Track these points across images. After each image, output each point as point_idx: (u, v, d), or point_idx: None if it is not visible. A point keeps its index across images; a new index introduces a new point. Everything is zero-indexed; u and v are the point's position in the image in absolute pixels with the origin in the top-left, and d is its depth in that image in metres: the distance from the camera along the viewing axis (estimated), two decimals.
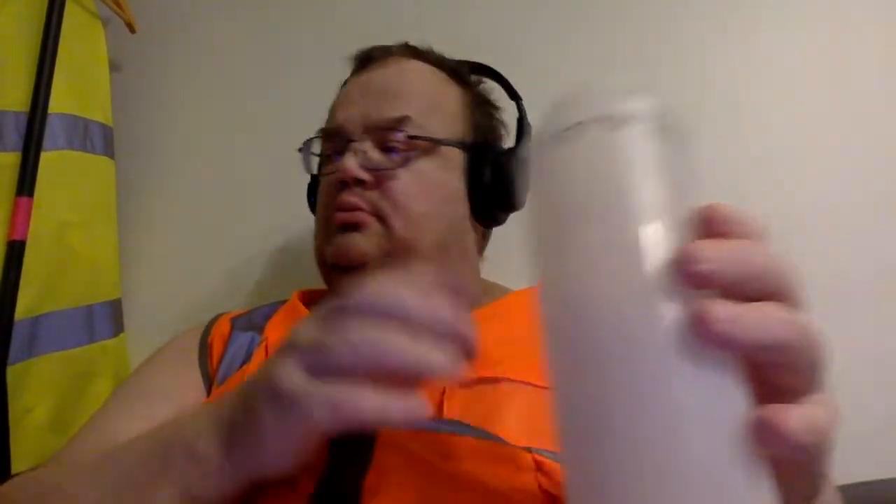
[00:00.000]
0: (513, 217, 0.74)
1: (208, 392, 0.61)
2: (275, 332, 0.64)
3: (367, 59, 0.74)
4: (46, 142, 0.84)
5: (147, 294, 1.01)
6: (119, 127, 1.00)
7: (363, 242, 0.63)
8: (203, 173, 1.06)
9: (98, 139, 0.94)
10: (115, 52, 1.03)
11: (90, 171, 0.92)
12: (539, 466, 0.43)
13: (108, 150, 0.96)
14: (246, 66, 1.08)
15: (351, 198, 0.64)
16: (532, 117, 0.78)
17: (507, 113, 0.78)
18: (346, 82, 0.76)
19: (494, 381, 0.54)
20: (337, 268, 0.65)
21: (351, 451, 0.43)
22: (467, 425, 0.48)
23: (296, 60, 1.06)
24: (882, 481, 0.72)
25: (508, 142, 0.77)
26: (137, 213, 1.03)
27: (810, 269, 0.93)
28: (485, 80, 0.79)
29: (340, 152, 0.67)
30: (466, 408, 0.52)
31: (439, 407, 0.53)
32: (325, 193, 0.70)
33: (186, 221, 1.05)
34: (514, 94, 0.78)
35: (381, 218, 0.64)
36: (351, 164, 0.64)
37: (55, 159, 0.86)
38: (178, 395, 0.61)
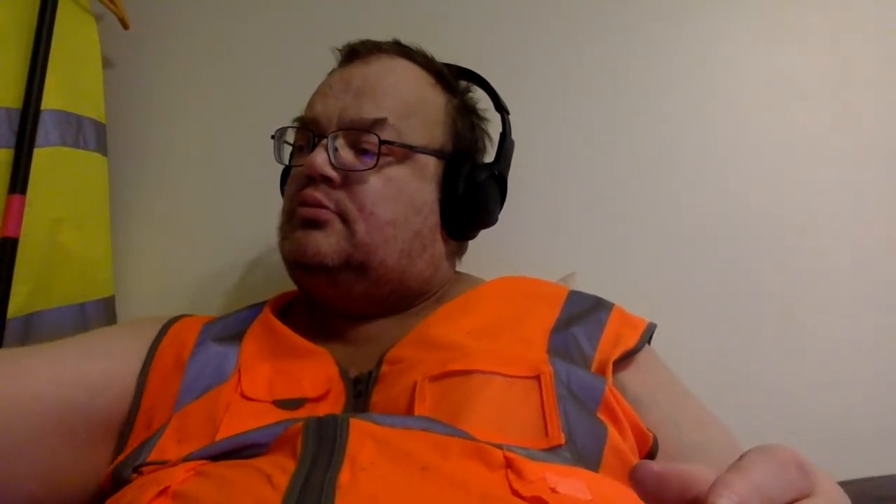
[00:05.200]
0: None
1: (139, 390, 0.60)
2: (249, 350, 0.63)
3: (353, 53, 0.72)
4: (39, 138, 0.84)
5: (140, 291, 1.01)
6: (112, 123, 0.99)
7: (323, 242, 0.62)
8: (197, 170, 1.06)
9: (91, 136, 0.93)
10: (109, 49, 1.02)
11: (83, 168, 0.91)
12: (509, 463, 0.43)
13: (102, 146, 0.96)
14: (240, 63, 1.08)
15: (316, 194, 0.63)
16: (521, 129, 0.77)
17: (493, 124, 0.77)
18: (330, 73, 0.74)
19: (466, 373, 0.54)
20: (295, 265, 0.65)
21: (324, 447, 0.42)
22: (438, 422, 0.48)
23: (291, 58, 1.05)
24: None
25: (490, 155, 0.76)
26: (130, 209, 1.03)
27: (805, 266, 0.95)
28: (472, 87, 0.77)
29: (312, 145, 0.65)
30: (437, 403, 0.52)
31: (411, 402, 0.53)
32: (291, 186, 0.68)
33: (180, 218, 1.05)
34: (501, 107, 0.76)
35: (344, 219, 0.63)
36: (320, 160, 0.63)
37: (48, 156, 0.85)
38: (110, 358, 0.60)
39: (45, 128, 0.85)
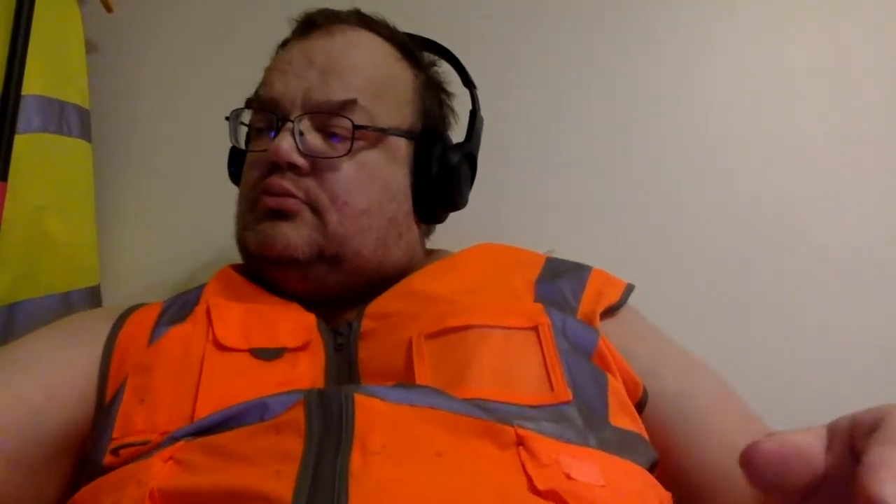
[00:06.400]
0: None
1: (101, 381, 0.54)
2: (212, 293, 0.60)
3: (311, 24, 0.67)
4: (20, 124, 0.82)
5: (126, 280, 1.00)
6: (96, 109, 0.97)
7: (292, 234, 0.59)
8: (183, 156, 1.04)
9: (74, 121, 0.91)
10: (92, 33, 1.00)
11: (66, 155, 0.90)
12: (521, 440, 0.42)
13: (85, 132, 0.94)
14: (227, 47, 1.05)
15: (282, 182, 0.59)
16: (490, 106, 0.75)
17: (458, 100, 0.74)
18: (284, 43, 0.69)
19: (464, 328, 0.52)
20: (262, 258, 0.61)
21: (330, 427, 0.41)
22: (443, 394, 0.46)
23: (279, 42, 1.03)
24: None
25: (457, 131, 0.73)
26: (116, 197, 1.01)
27: (805, 255, 0.94)
28: (437, 60, 0.73)
29: (274, 128, 0.61)
30: (437, 362, 0.50)
31: (408, 362, 0.51)
32: (251, 172, 0.63)
33: (165, 206, 1.03)
34: (469, 82, 0.73)
35: (315, 209, 0.60)
36: (286, 146, 0.58)
37: (30, 142, 0.83)
38: (49, 370, 0.54)
39: (27, 113, 0.83)
